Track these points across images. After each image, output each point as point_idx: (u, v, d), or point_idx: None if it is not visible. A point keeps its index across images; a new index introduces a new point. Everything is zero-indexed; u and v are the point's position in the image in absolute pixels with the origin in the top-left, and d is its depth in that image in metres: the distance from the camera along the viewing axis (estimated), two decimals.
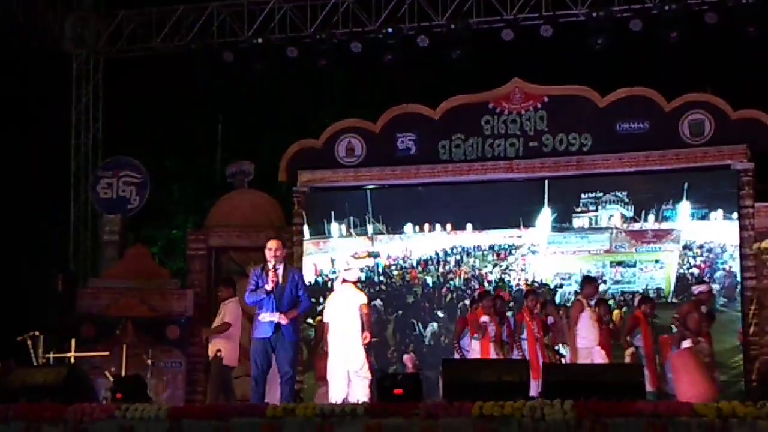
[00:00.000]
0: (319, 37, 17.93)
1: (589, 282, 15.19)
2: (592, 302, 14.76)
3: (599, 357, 14.23)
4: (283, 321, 11.70)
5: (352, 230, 18.09)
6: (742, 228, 16.32)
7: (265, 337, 11.65)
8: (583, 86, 17.37)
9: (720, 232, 16.60)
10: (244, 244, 16.92)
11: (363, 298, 13.11)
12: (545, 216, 17.42)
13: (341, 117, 18.31)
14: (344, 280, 13.36)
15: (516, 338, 14.94)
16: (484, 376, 9.92)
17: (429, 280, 18.04)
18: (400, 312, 17.86)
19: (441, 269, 17.99)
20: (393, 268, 18.19)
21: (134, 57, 18.59)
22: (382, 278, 18.17)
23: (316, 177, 18.06)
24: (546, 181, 17.29)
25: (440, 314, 17.73)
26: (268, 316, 11.68)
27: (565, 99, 17.43)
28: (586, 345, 14.34)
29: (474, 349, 14.57)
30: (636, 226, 17.21)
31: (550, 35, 17.15)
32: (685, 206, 16.78)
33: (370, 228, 18.06)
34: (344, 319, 12.88)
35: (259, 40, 18.12)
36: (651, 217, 16.98)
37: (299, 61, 18.07)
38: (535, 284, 17.38)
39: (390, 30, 17.70)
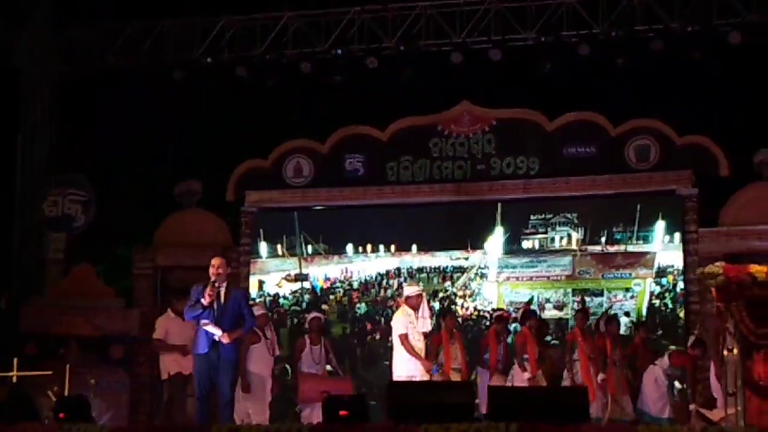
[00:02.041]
0: (268, 57, 17.88)
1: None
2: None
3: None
4: (225, 340, 11.61)
5: (285, 251, 18.01)
6: (686, 253, 16.46)
7: (204, 352, 11.55)
8: (530, 110, 17.48)
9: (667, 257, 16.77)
10: (191, 264, 16.79)
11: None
12: (496, 238, 17.34)
13: (290, 137, 18.26)
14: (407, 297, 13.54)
15: (567, 359, 14.73)
16: (429, 398, 9.89)
17: (362, 308, 17.93)
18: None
19: (381, 293, 17.87)
20: (330, 291, 18.10)
21: (85, 75, 18.43)
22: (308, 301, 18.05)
23: (264, 197, 18.04)
24: (499, 204, 17.26)
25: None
26: (211, 327, 11.56)
27: (513, 122, 17.53)
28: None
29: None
30: (599, 249, 17.02)
31: (498, 59, 17.20)
32: (659, 227, 16.81)
33: (300, 249, 17.98)
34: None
35: (209, 60, 18.05)
36: (602, 239, 17.01)
37: (248, 80, 18.00)
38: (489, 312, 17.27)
39: (339, 51, 17.69)
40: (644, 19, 16.76)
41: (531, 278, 17.17)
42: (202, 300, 11.59)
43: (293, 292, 18.09)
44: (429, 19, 17.46)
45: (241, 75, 17.99)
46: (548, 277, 17.25)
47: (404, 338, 13.31)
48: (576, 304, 16.82)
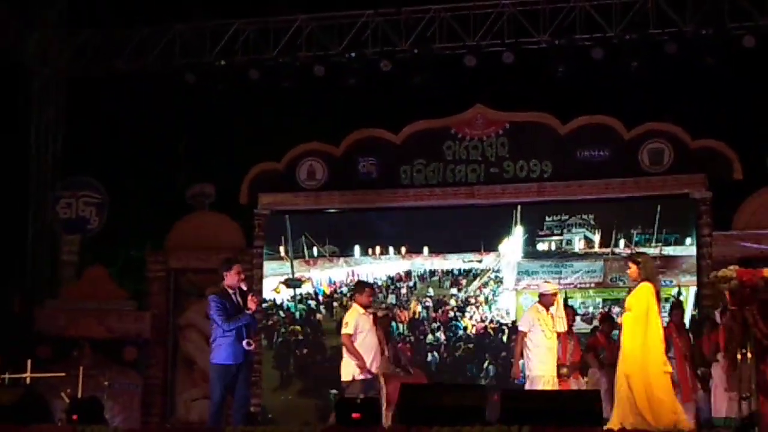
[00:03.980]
0: (282, 60, 17.91)
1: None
2: None
3: None
4: (251, 347, 11.73)
5: (286, 254, 18.00)
6: (700, 257, 16.45)
7: (236, 363, 11.59)
8: (544, 113, 17.49)
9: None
10: (204, 266, 16.86)
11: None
12: (514, 240, 17.18)
13: (303, 140, 18.29)
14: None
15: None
16: (441, 400, 9.91)
17: None
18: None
19: (389, 299, 17.74)
20: (333, 297, 18.04)
21: (96, 77, 18.47)
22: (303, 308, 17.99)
23: (277, 200, 18.06)
24: (519, 206, 17.17)
25: None
26: (245, 344, 11.60)
27: (526, 126, 17.55)
28: None
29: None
30: (652, 251, 16.37)
31: (511, 62, 17.19)
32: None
33: (291, 252, 18.00)
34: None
35: (222, 62, 18.07)
36: (621, 242, 16.89)
37: (262, 83, 18.03)
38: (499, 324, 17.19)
39: (353, 54, 17.70)
40: (658, 22, 16.73)
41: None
42: (248, 308, 11.61)
43: (292, 298, 18.04)
44: (442, 23, 17.46)
45: (254, 78, 18.01)
46: (575, 285, 17.01)
47: (524, 336, 13.05)
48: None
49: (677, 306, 14.99)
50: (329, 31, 17.81)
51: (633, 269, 12.43)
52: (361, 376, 12.61)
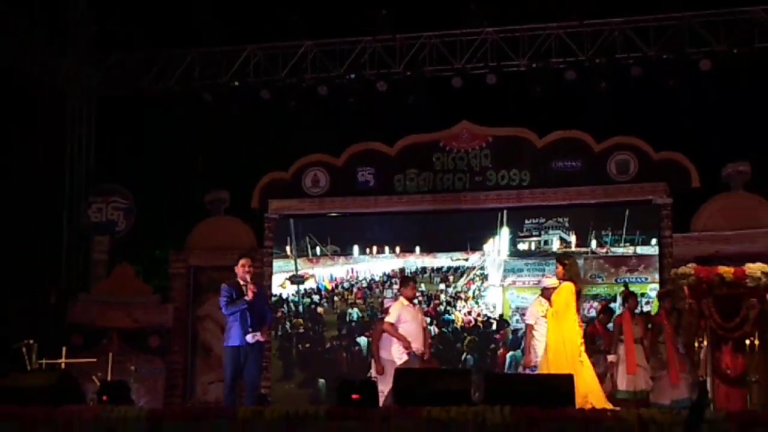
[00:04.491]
0: (289, 81, 17.93)
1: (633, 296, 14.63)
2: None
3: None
4: (263, 338, 11.73)
5: (292, 253, 17.98)
6: (662, 256, 16.47)
7: (238, 345, 11.59)
8: (523, 128, 17.49)
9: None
10: (220, 264, 16.85)
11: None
12: (500, 240, 17.12)
13: (308, 152, 18.30)
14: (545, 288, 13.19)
15: (654, 341, 14.09)
16: (432, 384, 9.91)
17: (355, 313, 17.78)
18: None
19: (385, 293, 17.68)
20: (335, 292, 18.02)
21: (124, 96, 18.48)
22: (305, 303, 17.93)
23: (285, 205, 18.06)
24: (505, 210, 17.14)
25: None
26: (250, 337, 11.60)
27: (507, 139, 17.55)
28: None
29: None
30: (618, 251, 16.64)
31: (494, 83, 17.23)
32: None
33: (295, 251, 17.96)
34: None
35: (236, 83, 18.09)
36: (593, 242, 16.88)
37: (272, 102, 18.05)
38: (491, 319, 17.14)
39: (353, 76, 17.72)
40: (624, 48, 16.78)
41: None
42: (245, 297, 11.61)
43: (296, 293, 18.05)
44: (432, 48, 17.49)
45: (264, 97, 18.04)
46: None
47: (531, 328, 13.04)
48: (588, 309, 16.12)
49: (667, 295, 14.57)
50: (331, 56, 17.84)
51: (559, 269, 12.62)
52: (405, 357, 12.84)
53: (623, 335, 14.06)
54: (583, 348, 12.41)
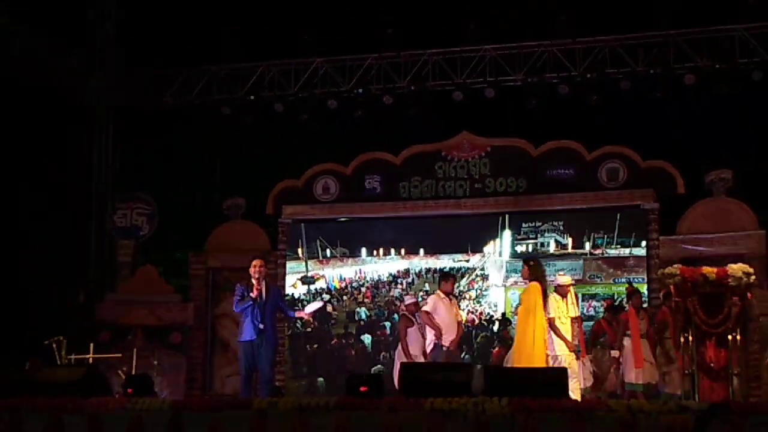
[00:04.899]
0: (301, 96, 17.93)
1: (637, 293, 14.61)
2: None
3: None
4: (306, 315, 12.15)
5: (303, 255, 17.95)
6: (649, 257, 16.45)
7: (250, 339, 11.55)
8: (519, 139, 17.49)
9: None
10: (237, 265, 16.82)
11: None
12: (502, 242, 17.10)
13: (319, 161, 18.31)
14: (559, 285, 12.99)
15: (660, 337, 14.15)
16: (435, 377, 9.88)
17: (363, 312, 17.72)
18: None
19: (392, 293, 17.68)
20: (344, 291, 18.00)
21: (148, 109, 18.49)
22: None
23: (297, 210, 18.07)
24: (507, 215, 17.13)
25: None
26: (310, 307, 12.24)
27: (504, 149, 17.54)
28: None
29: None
30: (611, 252, 16.60)
31: (492, 96, 17.22)
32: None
33: (306, 254, 17.93)
34: None
35: (252, 97, 18.11)
36: (587, 245, 16.86)
37: (285, 115, 18.06)
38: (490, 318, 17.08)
39: (360, 90, 17.72)
40: (614, 63, 16.77)
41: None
42: (251, 294, 11.60)
43: (307, 292, 18.02)
44: (435, 64, 17.47)
45: (278, 110, 18.04)
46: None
47: (552, 321, 12.73)
48: (588, 308, 16.25)
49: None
50: (341, 71, 17.83)
51: (525, 270, 12.59)
52: (432, 345, 12.97)
53: (629, 330, 14.07)
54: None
